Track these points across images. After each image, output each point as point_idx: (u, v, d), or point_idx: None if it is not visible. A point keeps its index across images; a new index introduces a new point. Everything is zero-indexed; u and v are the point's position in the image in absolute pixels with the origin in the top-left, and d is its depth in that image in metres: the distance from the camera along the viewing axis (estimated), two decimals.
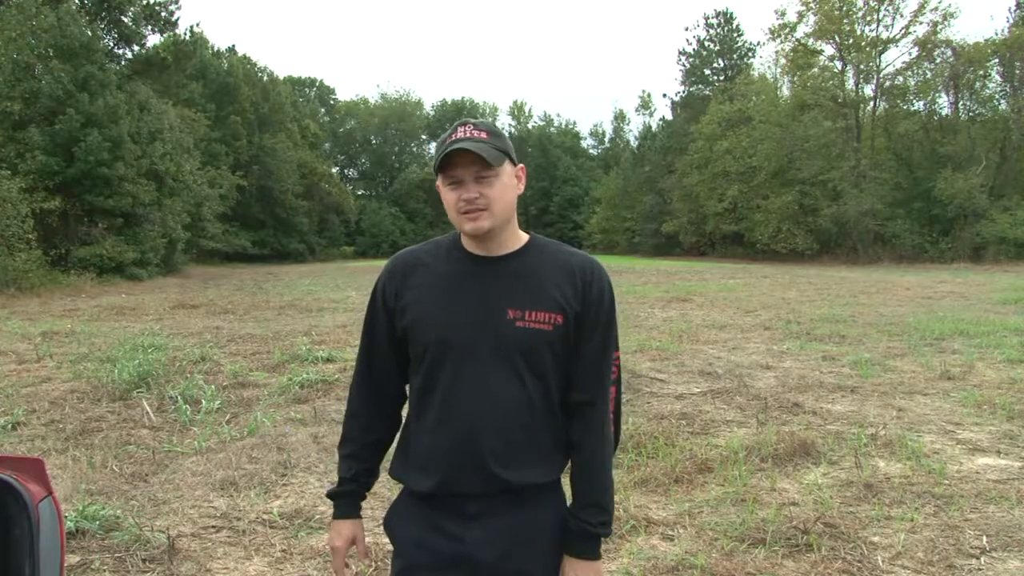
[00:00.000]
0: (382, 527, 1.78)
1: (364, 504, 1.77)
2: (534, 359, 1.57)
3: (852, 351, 8.87)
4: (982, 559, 3.36)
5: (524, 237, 1.67)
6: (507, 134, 1.64)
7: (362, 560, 1.78)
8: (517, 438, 1.56)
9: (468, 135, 1.55)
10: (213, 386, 7.07)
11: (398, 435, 1.75)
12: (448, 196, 1.59)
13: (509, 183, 1.60)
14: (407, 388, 1.74)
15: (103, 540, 3.64)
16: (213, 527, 3.85)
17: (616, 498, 4.07)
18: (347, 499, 1.74)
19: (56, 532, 1.50)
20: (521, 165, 1.65)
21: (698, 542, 3.57)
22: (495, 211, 1.56)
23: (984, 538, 3.55)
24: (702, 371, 7.82)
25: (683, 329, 11.18)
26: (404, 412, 1.74)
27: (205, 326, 12.52)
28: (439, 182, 1.62)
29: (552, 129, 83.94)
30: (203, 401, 6.43)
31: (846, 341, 9.74)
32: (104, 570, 3.37)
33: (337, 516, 1.74)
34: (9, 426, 5.83)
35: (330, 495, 1.75)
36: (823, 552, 3.40)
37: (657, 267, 34.73)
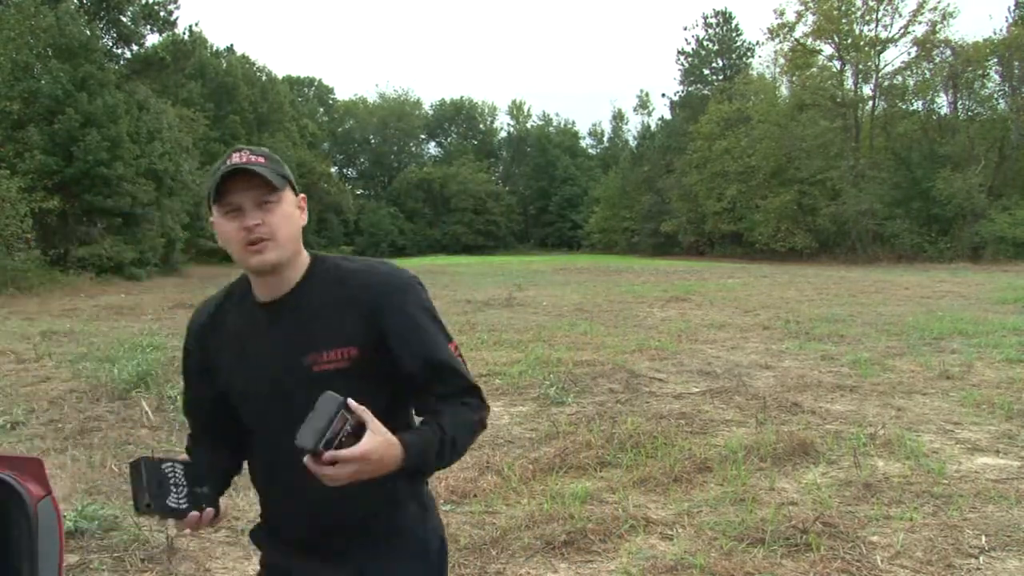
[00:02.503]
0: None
1: None
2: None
3: (851, 350, 8.87)
4: (981, 559, 3.36)
5: (305, 265, 1.53)
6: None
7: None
8: (348, 487, 1.42)
9: (245, 160, 1.44)
10: None
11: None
12: (226, 227, 1.45)
13: (292, 212, 1.48)
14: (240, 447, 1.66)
15: (102, 540, 3.64)
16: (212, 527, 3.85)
17: (615, 497, 4.10)
18: None
19: (55, 532, 1.50)
20: (303, 195, 1.53)
21: (697, 542, 3.58)
22: (280, 240, 1.44)
23: (983, 538, 3.55)
24: (701, 371, 7.82)
25: (682, 329, 11.18)
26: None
27: None
28: (215, 214, 1.48)
29: (551, 128, 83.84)
30: None
31: (845, 340, 9.75)
32: (103, 570, 3.37)
33: None
34: (8, 426, 5.83)
35: None
36: (822, 551, 3.40)
37: (656, 266, 34.73)
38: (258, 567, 1.72)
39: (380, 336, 1.48)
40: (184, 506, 1.45)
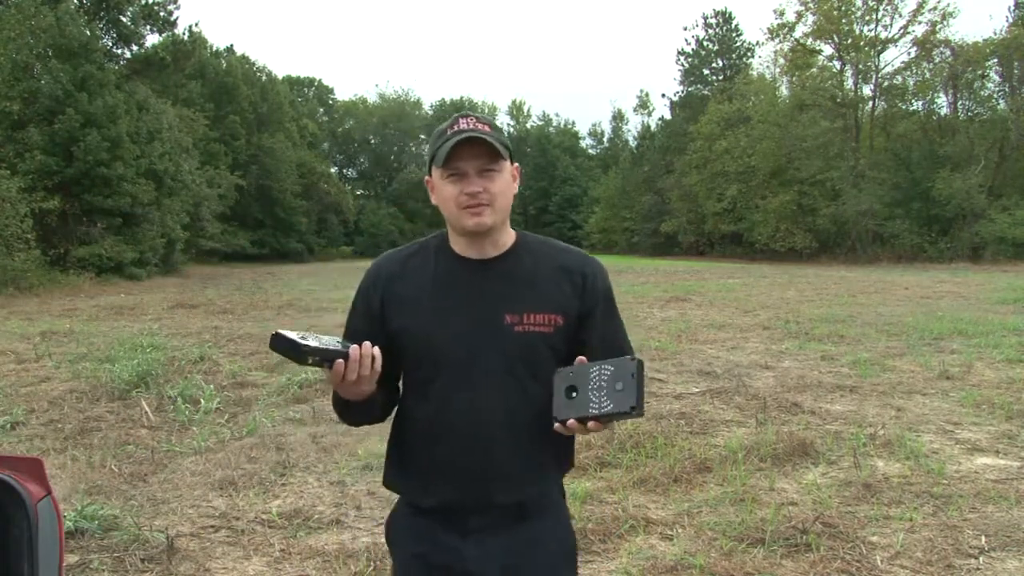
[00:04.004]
0: (383, 535, 1.77)
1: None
2: (536, 365, 1.51)
3: (851, 351, 8.87)
4: (981, 559, 3.36)
5: (513, 236, 1.62)
6: (508, 133, 1.60)
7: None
8: (520, 451, 1.51)
9: (472, 127, 1.50)
10: (212, 386, 7.07)
11: (388, 444, 1.68)
12: (448, 190, 1.52)
13: (509, 180, 1.56)
14: (397, 392, 1.66)
15: (102, 540, 3.64)
16: (212, 527, 3.85)
17: (615, 498, 4.10)
18: None
19: (55, 532, 1.50)
20: (516, 164, 1.60)
21: (697, 542, 3.58)
22: (498, 207, 1.51)
23: (983, 538, 3.55)
24: (701, 371, 7.82)
25: (682, 329, 11.18)
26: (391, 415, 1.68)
27: (204, 326, 12.51)
28: (435, 176, 1.55)
29: (551, 129, 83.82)
30: (202, 401, 6.43)
31: (845, 341, 9.74)
32: (103, 570, 3.37)
33: None
34: (8, 426, 5.83)
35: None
36: (822, 552, 3.40)
37: (656, 267, 34.71)
38: (390, 568, 1.70)
39: (586, 313, 1.57)
40: (340, 346, 1.43)
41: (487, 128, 1.51)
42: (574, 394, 1.38)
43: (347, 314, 1.68)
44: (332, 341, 1.45)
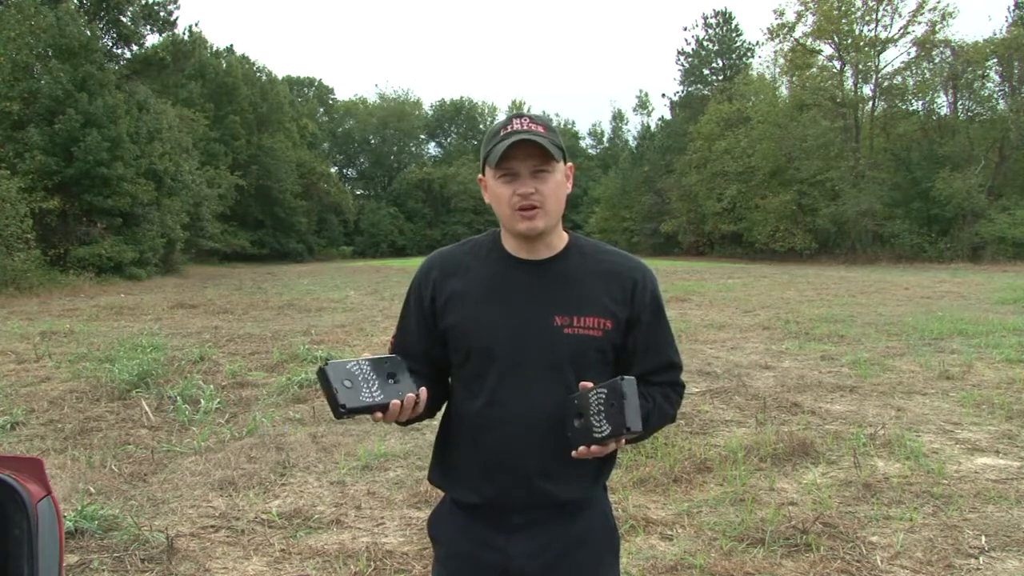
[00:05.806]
0: (426, 529, 1.78)
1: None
2: (583, 367, 1.52)
3: (851, 351, 8.88)
4: (981, 559, 3.36)
5: (565, 238, 1.62)
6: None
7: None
8: (566, 450, 1.51)
9: (526, 127, 1.50)
10: (212, 386, 7.07)
11: (435, 440, 1.69)
12: (501, 190, 1.52)
13: (562, 181, 1.55)
14: (447, 389, 1.67)
15: (102, 540, 3.64)
16: (212, 527, 3.85)
17: (615, 498, 4.10)
18: None
19: (55, 532, 1.50)
20: (570, 164, 1.60)
21: (697, 542, 3.58)
22: (549, 209, 1.52)
23: (983, 538, 3.55)
24: (701, 371, 7.82)
25: (682, 329, 11.17)
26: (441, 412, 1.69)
27: (204, 326, 12.51)
28: (488, 176, 1.55)
29: None
30: (202, 401, 6.43)
31: (845, 341, 9.75)
32: (103, 570, 3.37)
33: None
34: (8, 426, 5.83)
35: None
36: (822, 552, 3.40)
37: (656, 267, 34.38)
38: (431, 562, 1.69)
39: (633, 319, 1.58)
40: (380, 398, 1.43)
41: (541, 129, 1.51)
42: (580, 420, 1.42)
43: (400, 311, 1.71)
44: (376, 376, 1.44)
